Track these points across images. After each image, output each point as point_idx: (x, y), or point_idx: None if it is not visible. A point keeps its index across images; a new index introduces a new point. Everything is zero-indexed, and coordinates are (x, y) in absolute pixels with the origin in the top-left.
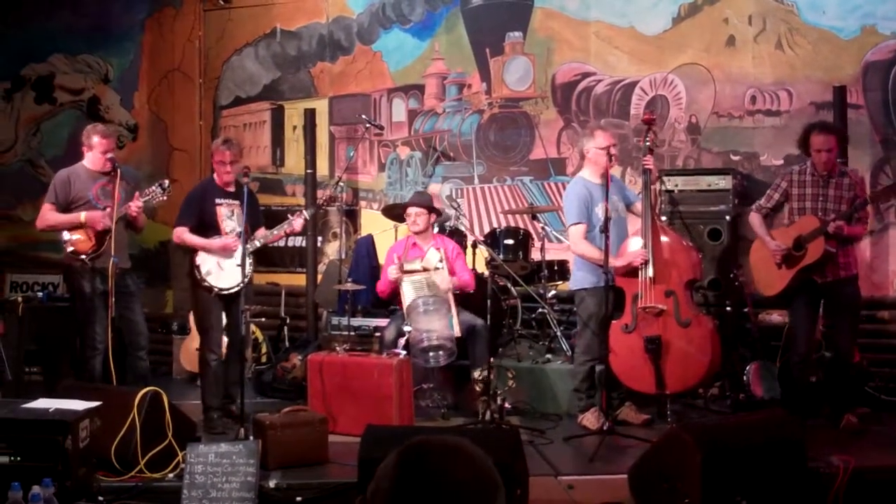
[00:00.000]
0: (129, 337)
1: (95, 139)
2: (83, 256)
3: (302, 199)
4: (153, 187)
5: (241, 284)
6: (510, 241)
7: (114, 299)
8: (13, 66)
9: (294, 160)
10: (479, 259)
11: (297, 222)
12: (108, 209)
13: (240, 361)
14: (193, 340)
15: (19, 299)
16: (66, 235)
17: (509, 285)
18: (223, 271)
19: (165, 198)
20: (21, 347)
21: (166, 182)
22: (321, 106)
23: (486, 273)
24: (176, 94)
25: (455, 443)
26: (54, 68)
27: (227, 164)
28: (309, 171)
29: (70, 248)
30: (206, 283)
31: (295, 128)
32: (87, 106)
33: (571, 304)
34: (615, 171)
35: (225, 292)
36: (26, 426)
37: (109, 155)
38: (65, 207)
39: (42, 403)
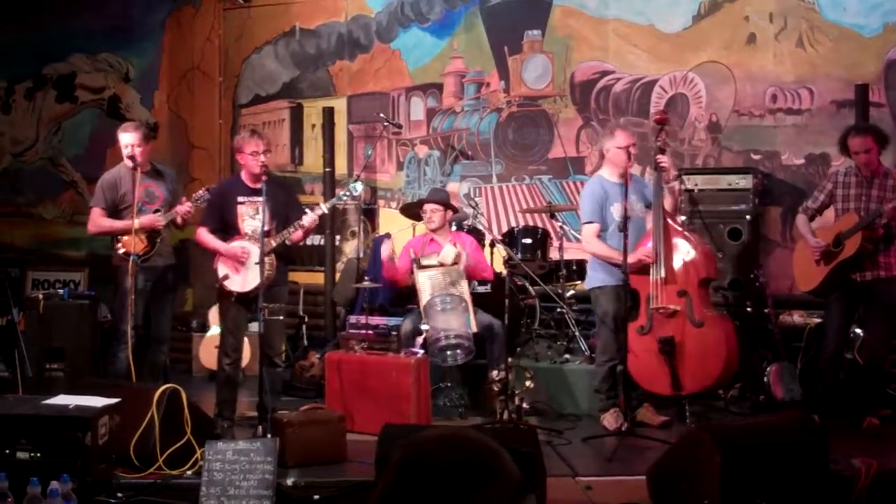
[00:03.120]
0: (156, 331)
1: (121, 139)
2: (135, 257)
3: (321, 198)
4: (200, 191)
5: (261, 285)
6: (528, 241)
7: (137, 297)
8: (35, 66)
9: (313, 158)
10: (497, 258)
11: (307, 220)
12: (161, 212)
13: (259, 362)
14: (213, 338)
15: (40, 296)
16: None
17: (527, 285)
18: (242, 274)
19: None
20: (42, 344)
21: (214, 187)
22: (340, 104)
23: (504, 272)
24: (196, 93)
25: (450, 431)
26: (75, 67)
27: (261, 154)
28: (327, 169)
29: (122, 250)
30: (224, 287)
31: (314, 126)
32: (108, 105)
33: (590, 303)
34: (634, 169)
35: (244, 296)
36: (46, 422)
37: (144, 156)
38: (113, 210)
39: (62, 400)
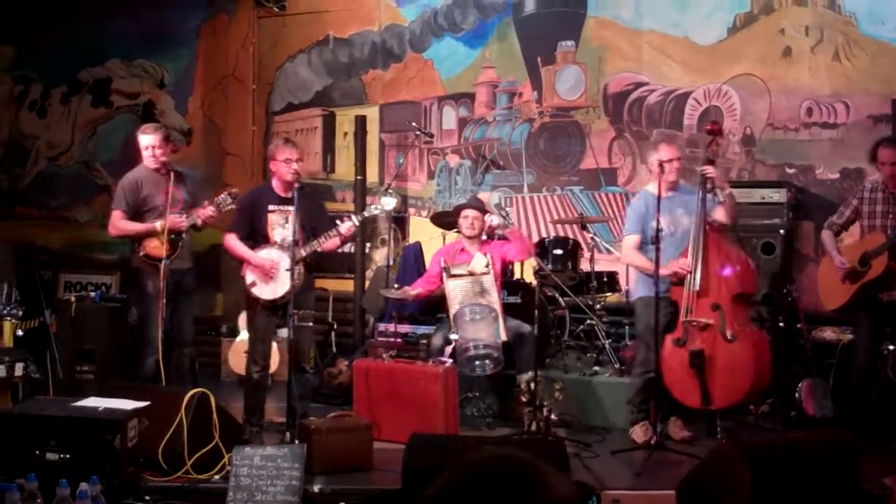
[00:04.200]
0: (179, 335)
1: (141, 141)
2: (166, 261)
3: (352, 205)
4: (223, 195)
5: (290, 293)
6: (559, 251)
7: (165, 300)
8: (71, 70)
9: (344, 166)
10: (528, 269)
11: (345, 228)
12: (185, 214)
13: (288, 368)
14: (242, 343)
15: (72, 298)
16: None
17: (557, 296)
18: (271, 281)
19: (234, 206)
20: (73, 346)
21: (235, 190)
22: (372, 113)
23: (535, 283)
24: (230, 100)
25: (503, 453)
26: (111, 72)
27: (294, 162)
28: (359, 177)
29: (143, 253)
30: (252, 294)
31: (346, 134)
32: (143, 110)
33: (620, 315)
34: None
35: (271, 302)
36: (76, 424)
37: (164, 158)
38: (134, 212)
39: (92, 402)
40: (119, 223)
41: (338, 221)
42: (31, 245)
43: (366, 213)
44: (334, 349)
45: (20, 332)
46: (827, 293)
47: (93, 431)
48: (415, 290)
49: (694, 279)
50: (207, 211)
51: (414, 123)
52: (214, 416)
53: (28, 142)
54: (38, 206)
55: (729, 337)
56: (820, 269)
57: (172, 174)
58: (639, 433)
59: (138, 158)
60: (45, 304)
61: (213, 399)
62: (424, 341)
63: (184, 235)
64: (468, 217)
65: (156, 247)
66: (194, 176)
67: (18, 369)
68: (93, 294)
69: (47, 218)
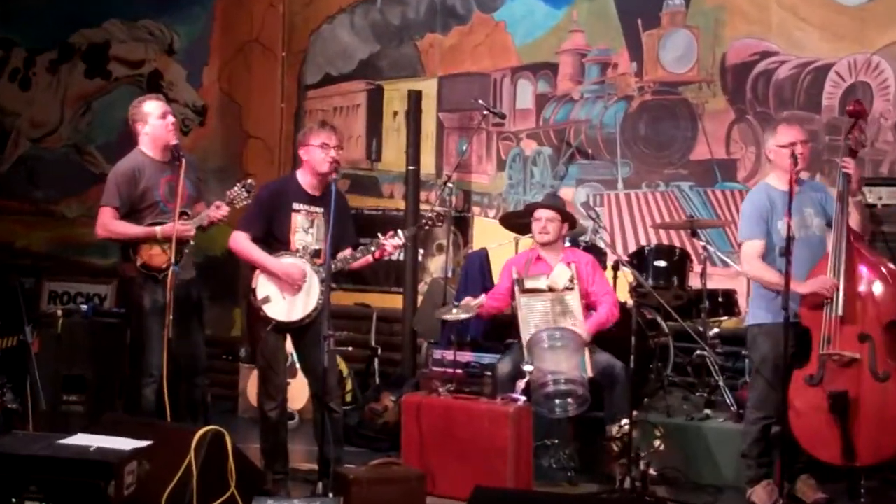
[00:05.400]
0: (186, 360)
1: (150, 108)
2: (175, 268)
3: (401, 202)
4: (236, 188)
5: (312, 314)
6: (662, 264)
7: (171, 317)
8: (61, 32)
9: (393, 154)
10: (622, 284)
11: (389, 246)
12: (186, 214)
13: (321, 408)
14: None
15: (59, 313)
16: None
17: (659, 319)
18: (293, 297)
19: (250, 201)
20: (59, 371)
21: (250, 181)
22: (429, 87)
23: (631, 303)
24: (253, 71)
25: None
26: (109, 35)
27: (332, 148)
28: (411, 167)
29: (140, 262)
30: (262, 313)
31: (396, 114)
32: (147, 82)
33: (740, 345)
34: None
35: (286, 325)
36: (62, 467)
37: (174, 140)
38: (128, 209)
39: (82, 440)
40: (110, 223)
41: (378, 234)
42: (10, 246)
43: (414, 229)
44: (377, 380)
45: None
46: None
47: (82, 476)
48: (479, 301)
49: (836, 301)
50: (222, 211)
51: (481, 101)
52: (230, 459)
53: (7, 120)
54: (19, 199)
55: (880, 375)
56: None
57: (182, 162)
58: (760, 495)
59: (135, 141)
60: (26, 318)
61: (228, 439)
62: (490, 373)
63: (191, 241)
64: (540, 219)
65: (156, 254)
66: (194, 161)
67: None
68: (83, 307)
69: (29, 213)
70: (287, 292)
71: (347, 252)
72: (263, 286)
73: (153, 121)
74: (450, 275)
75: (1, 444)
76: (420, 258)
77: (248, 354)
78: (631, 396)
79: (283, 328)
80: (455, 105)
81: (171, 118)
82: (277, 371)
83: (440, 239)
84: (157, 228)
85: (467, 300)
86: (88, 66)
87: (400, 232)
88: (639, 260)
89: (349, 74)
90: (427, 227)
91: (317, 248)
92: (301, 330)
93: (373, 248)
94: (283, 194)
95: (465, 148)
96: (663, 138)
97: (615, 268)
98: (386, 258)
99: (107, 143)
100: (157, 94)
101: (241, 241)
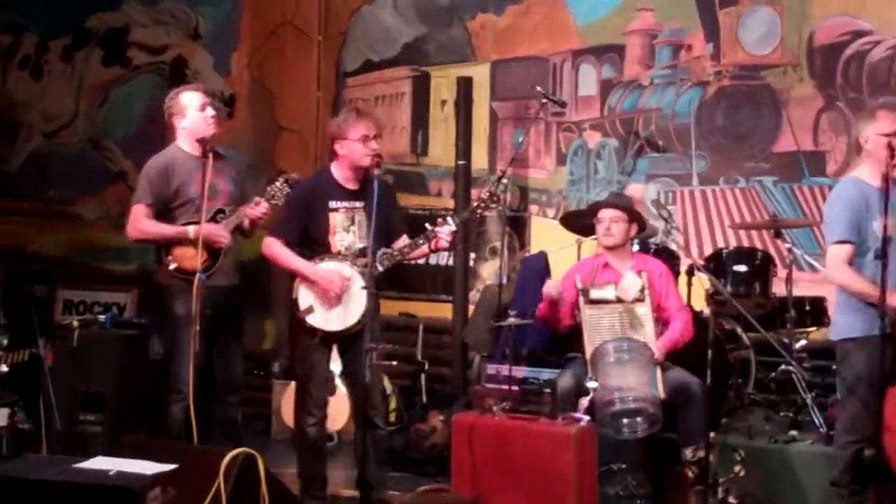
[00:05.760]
0: (223, 377)
1: (188, 99)
2: (201, 275)
3: (450, 201)
4: (278, 183)
5: (363, 321)
6: (742, 268)
7: (198, 328)
8: (77, 16)
9: (441, 147)
10: (697, 292)
11: (443, 233)
12: (225, 213)
13: (363, 425)
14: None
15: (74, 324)
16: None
17: (739, 330)
18: (337, 305)
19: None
20: (75, 388)
21: (294, 175)
22: (480, 74)
23: (707, 312)
24: (287, 57)
25: None
26: (128, 19)
27: (373, 139)
28: (461, 162)
29: (173, 265)
30: (306, 323)
31: (444, 103)
32: (170, 70)
33: (830, 359)
34: None
35: (334, 336)
36: (78, 493)
37: (213, 131)
38: (162, 207)
39: (100, 463)
40: (141, 221)
41: (427, 224)
42: (21, 250)
43: (465, 215)
44: (424, 398)
45: (5, 368)
46: None
47: (101, 502)
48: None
49: None
50: (260, 209)
51: (539, 88)
52: (263, 485)
53: (18, 111)
54: (31, 199)
55: None
56: None
57: (211, 155)
58: None
59: (169, 136)
60: (38, 330)
61: (261, 462)
62: (550, 390)
63: (229, 242)
64: (604, 220)
65: (190, 256)
66: (237, 157)
67: (2, 417)
68: (101, 318)
69: (42, 214)
70: (330, 300)
71: (403, 242)
72: (305, 295)
73: (192, 113)
74: (504, 281)
75: (12, 468)
76: (471, 263)
77: (283, 370)
78: (708, 416)
79: (330, 339)
80: (510, 93)
81: (210, 110)
82: (319, 385)
83: (494, 241)
84: (191, 228)
85: (549, 284)
86: (106, 52)
87: (450, 218)
88: (716, 264)
89: (392, 60)
90: (481, 211)
91: (361, 246)
92: (349, 340)
93: (420, 242)
94: (317, 193)
95: (520, 140)
96: (743, 128)
97: (689, 273)
98: (443, 247)
99: (126, 136)
100: (196, 84)
101: (275, 248)
